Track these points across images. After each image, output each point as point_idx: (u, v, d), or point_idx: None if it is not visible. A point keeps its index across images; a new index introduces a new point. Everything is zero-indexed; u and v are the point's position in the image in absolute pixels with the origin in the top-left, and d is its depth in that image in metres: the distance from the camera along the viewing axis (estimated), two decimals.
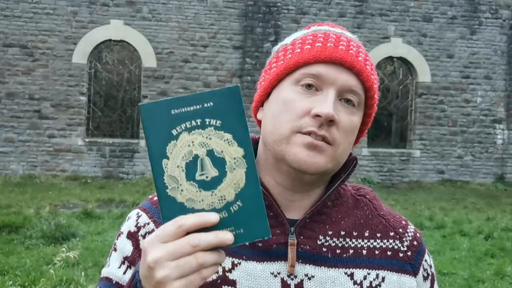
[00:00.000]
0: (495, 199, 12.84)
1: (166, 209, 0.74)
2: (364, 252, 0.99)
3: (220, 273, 0.93)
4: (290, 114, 0.93)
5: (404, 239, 1.04)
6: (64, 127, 13.44)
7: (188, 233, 0.73)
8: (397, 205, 11.18)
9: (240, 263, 0.94)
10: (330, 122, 0.91)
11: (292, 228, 0.96)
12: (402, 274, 1.00)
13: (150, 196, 1.03)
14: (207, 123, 0.75)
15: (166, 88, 13.77)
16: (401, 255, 1.02)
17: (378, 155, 14.67)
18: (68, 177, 12.97)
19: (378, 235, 1.02)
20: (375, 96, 0.99)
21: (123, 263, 0.97)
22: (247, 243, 0.76)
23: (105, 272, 0.99)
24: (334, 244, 0.98)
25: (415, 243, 1.04)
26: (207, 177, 0.74)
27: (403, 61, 15.30)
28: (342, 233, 0.99)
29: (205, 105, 0.75)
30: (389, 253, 1.01)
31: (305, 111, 0.92)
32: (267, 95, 1.01)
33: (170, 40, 13.85)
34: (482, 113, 15.19)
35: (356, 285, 0.96)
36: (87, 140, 13.67)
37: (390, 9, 14.87)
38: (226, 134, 0.75)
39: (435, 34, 15.00)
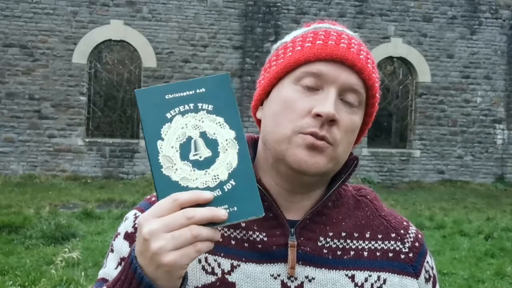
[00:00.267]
0: (495, 199, 12.83)
1: (161, 187, 0.76)
2: (365, 253, 0.98)
3: (219, 275, 0.92)
4: (291, 114, 0.91)
5: (405, 240, 1.02)
6: (64, 127, 13.43)
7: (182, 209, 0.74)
8: (397, 205, 11.18)
9: (239, 265, 0.92)
10: (331, 121, 0.90)
11: (292, 229, 0.95)
12: (404, 276, 0.99)
13: (148, 197, 1.02)
14: (200, 107, 0.78)
15: None
16: (402, 256, 1.00)
17: (378, 155, 14.67)
18: (68, 177, 12.97)
19: (379, 236, 1.00)
20: (376, 95, 0.98)
21: (119, 264, 0.95)
22: (241, 222, 0.77)
23: (102, 273, 0.97)
24: (334, 245, 0.96)
25: (416, 244, 1.03)
26: (200, 157, 0.77)
27: (403, 61, 15.30)
28: (343, 234, 0.98)
29: (197, 90, 0.79)
30: (390, 254, 0.99)
31: (306, 111, 0.90)
32: (266, 94, 0.99)
33: (170, 40, 13.85)
34: (482, 113, 15.19)
35: (357, 287, 0.95)
36: (87, 140, 13.67)
37: (390, 9, 14.87)
38: (218, 117, 0.78)
39: (435, 34, 15.00)
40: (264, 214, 0.77)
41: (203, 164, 0.77)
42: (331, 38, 0.94)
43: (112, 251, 0.99)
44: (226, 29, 14.09)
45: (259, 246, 0.94)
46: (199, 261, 0.92)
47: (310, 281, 0.93)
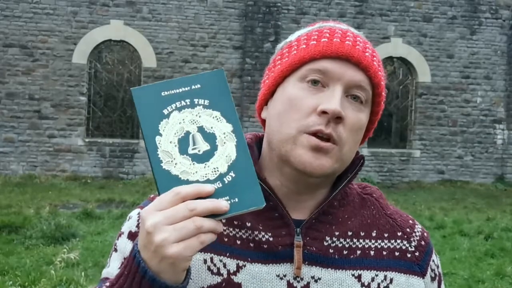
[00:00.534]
0: (495, 199, 12.83)
1: (161, 181, 0.76)
2: (372, 252, 0.97)
3: (225, 276, 0.91)
4: (296, 112, 0.90)
5: (411, 239, 1.01)
6: (64, 127, 13.43)
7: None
8: (397, 205, 11.16)
9: (245, 266, 0.92)
10: (337, 119, 0.89)
11: (298, 229, 0.94)
12: (410, 275, 0.98)
13: (151, 196, 1.01)
14: (196, 102, 0.79)
15: None
16: (409, 255, 0.99)
17: (378, 155, 14.67)
18: (68, 177, 12.97)
19: (386, 235, 1.00)
20: (383, 93, 0.97)
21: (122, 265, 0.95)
22: (242, 213, 0.77)
23: (105, 273, 0.96)
24: (341, 245, 0.96)
25: (422, 243, 1.02)
26: (199, 150, 0.78)
27: (403, 61, 15.30)
28: (349, 233, 0.97)
29: (193, 87, 0.80)
30: (396, 253, 0.99)
31: (312, 108, 0.89)
32: (271, 93, 0.98)
33: (170, 40, 13.85)
34: (482, 113, 15.19)
35: (363, 287, 0.94)
36: (87, 140, 13.66)
37: (390, 9, 14.87)
38: (214, 112, 0.79)
39: (435, 34, 15.00)
40: (265, 204, 0.77)
41: (202, 158, 0.77)
42: (336, 36, 0.93)
43: (115, 250, 0.98)
44: (226, 29, 14.09)
45: (265, 246, 0.93)
46: (205, 261, 0.91)
47: (316, 281, 0.93)
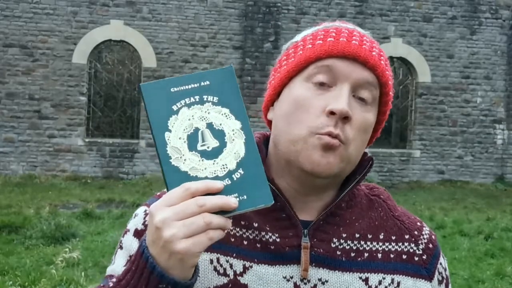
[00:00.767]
0: (495, 199, 12.83)
1: (170, 177, 0.76)
2: (379, 255, 0.96)
3: (232, 277, 0.90)
4: (304, 113, 0.89)
5: (419, 242, 1.00)
6: (64, 127, 13.43)
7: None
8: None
9: (251, 267, 0.91)
10: (344, 119, 0.88)
11: (305, 230, 0.93)
12: (418, 279, 0.97)
13: (158, 194, 1.00)
14: (205, 99, 0.79)
15: None
16: (416, 258, 0.98)
17: (378, 155, 14.67)
18: (68, 177, 12.97)
19: (393, 237, 0.99)
20: (390, 92, 0.96)
21: (129, 261, 0.94)
22: (251, 210, 0.77)
23: (110, 270, 0.95)
24: (348, 247, 0.95)
25: (430, 246, 1.01)
26: (208, 147, 0.77)
27: (403, 61, 15.30)
28: (357, 235, 0.96)
29: (202, 83, 0.80)
30: (404, 256, 0.98)
31: (321, 109, 0.89)
32: (277, 94, 0.97)
33: (170, 40, 13.85)
34: (482, 113, 15.19)
35: None
36: (87, 140, 13.66)
37: (390, 9, 14.87)
38: (223, 108, 0.79)
39: (435, 34, 15.00)
40: (273, 202, 0.77)
41: (211, 154, 0.77)
42: (342, 35, 0.92)
43: (121, 248, 0.97)
44: (226, 29, 14.08)
45: (272, 247, 0.92)
46: (211, 261, 0.91)
47: (323, 283, 0.92)
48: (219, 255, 0.91)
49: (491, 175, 15.12)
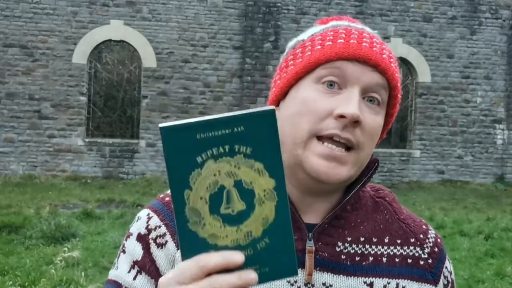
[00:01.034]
0: (495, 199, 12.83)
1: (186, 245, 0.67)
2: (384, 259, 0.94)
3: None
4: (310, 115, 0.87)
5: (425, 245, 0.99)
6: (64, 127, 13.44)
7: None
8: None
9: None
10: (355, 123, 0.86)
11: (310, 234, 0.91)
12: (423, 283, 0.96)
13: (162, 196, 0.97)
14: (236, 150, 0.66)
15: (166, 88, 13.78)
16: (421, 263, 0.97)
17: (378, 155, 14.62)
18: (68, 177, 12.97)
19: (399, 241, 0.97)
20: (399, 95, 0.95)
21: (132, 267, 0.92)
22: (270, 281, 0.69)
23: (113, 275, 0.93)
24: (353, 251, 0.93)
25: (436, 249, 1.00)
26: (233, 211, 0.67)
27: (403, 61, 15.30)
28: (362, 239, 0.94)
29: (235, 129, 0.66)
30: (409, 260, 0.96)
31: (328, 111, 0.86)
32: (284, 94, 0.94)
33: (170, 40, 13.85)
34: (482, 113, 15.19)
35: None
36: (87, 140, 13.67)
37: (390, 9, 14.87)
38: (256, 163, 0.66)
39: (435, 34, 15.00)
40: (297, 274, 0.70)
41: (235, 219, 0.66)
42: (352, 37, 0.90)
43: (124, 252, 0.94)
44: (226, 29, 14.09)
45: None
46: None
47: None
48: None
49: (491, 175, 15.12)
